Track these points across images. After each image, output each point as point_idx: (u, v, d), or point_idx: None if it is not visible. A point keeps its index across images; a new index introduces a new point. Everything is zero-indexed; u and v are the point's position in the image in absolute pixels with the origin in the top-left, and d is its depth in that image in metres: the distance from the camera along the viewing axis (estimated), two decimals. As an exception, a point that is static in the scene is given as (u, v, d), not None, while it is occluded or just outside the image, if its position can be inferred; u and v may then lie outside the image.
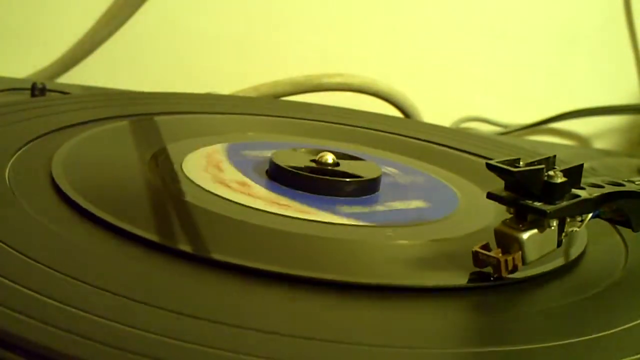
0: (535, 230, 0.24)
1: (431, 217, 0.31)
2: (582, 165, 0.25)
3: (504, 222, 0.24)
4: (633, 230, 0.27)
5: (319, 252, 0.27)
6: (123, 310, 0.19)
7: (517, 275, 0.24)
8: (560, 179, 0.24)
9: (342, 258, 0.27)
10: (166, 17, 0.63)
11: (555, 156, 0.25)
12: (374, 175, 0.33)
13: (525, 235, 0.24)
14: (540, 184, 0.24)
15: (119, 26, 0.61)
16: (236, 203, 0.29)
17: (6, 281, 0.20)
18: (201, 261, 0.23)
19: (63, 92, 0.47)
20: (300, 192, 0.31)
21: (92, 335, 0.18)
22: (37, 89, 0.46)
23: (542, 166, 0.24)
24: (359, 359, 0.20)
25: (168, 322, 0.19)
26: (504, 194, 0.24)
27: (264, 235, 0.27)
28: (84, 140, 0.34)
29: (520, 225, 0.24)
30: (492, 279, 0.24)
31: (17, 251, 0.22)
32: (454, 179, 0.36)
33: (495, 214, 0.29)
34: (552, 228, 0.24)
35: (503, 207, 0.24)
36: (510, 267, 0.24)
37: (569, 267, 0.27)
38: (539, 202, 0.24)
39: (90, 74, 0.61)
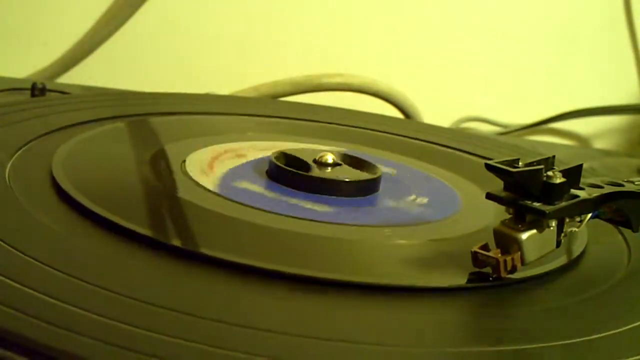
0: (535, 231, 0.24)
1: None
2: (581, 165, 0.25)
3: (503, 223, 0.24)
4: (633, 231, 0.27)
5: (318, 251, 0.27)
6: (123, 309, 0.19)
7: (516, 275, 0.24)
8: (559, 180, 0.24)
9: (341, 258, 0.27)
10: (166, 17, 0.63)
11: (554, 156, 0.25)
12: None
13: (525, 236, 0.24)
14: (540, 184, 0.24)
15: (119, 26, 0.61)
16: (236, 202, 0.29)
17: (6, 280, 0.20)
18: (201, 260, 0.24)
19: (63, 92, 0.47)
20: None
21: (92, 334, 0.18)
22: (37, 89, 0.46)
23: (541, 166, 0.24)
24: (359, 359, 0.20)
25: (168, 320, 0.19)
26: (503, 194, 0.24)
27: (263, 234, 0.27)
28: (84, 140, 0.34)
29: (520, 226, 0.24)
30: (491, 279, 0.24)
31: (17, 250, 0.22)
32: (454, 179, 0.36)
33: (494, 214, 0.29)
34: (551, 228, 0.24)
35: (502, 208, 0.24)
36: (509, 268, 0.24)
37: (570, 267, 0.27)
38: (538, 202, 0.24)
39: (90, 74, 0.61)
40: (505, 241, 0.24)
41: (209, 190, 0.30)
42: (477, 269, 0.25)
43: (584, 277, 0.27)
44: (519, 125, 0.67)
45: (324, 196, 0.31)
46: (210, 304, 0.21)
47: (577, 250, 0.28)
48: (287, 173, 0.32)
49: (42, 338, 0.17)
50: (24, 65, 0.61)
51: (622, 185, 0.26)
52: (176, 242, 0.25)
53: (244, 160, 0.34)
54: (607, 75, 0.70)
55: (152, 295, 0.21)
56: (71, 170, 0.29)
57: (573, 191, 0.25)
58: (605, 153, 0.63)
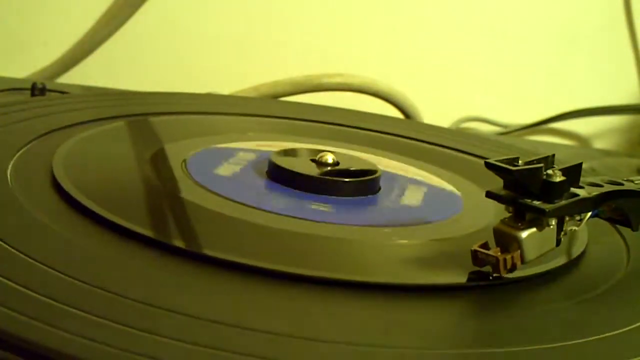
0: (534, 229, 0.24)
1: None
2: (580, 164, 0.25)
3: (502, 221, 0.24)
4: (632, 230, 0.27)
5: (318, 251, 0.27)
6: (123, 310, 0.19)
7: (516, 274, 0.24)
8: (559, 178, 0.24)
9: (341, 258, 0.27)
10: (166, 17, 0.63)
11: (554, 155, 0.25)
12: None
13: (524, 234, 0.24)
14: (539, 182, 0.24)
15: (119, 26, 0.61)
16: (236, 202, 0.29)
17: (6, 281, 0.20)
18: (202, 260, 0.24)
19: (63, 92, 0.47)
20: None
21: (92, 336, 0.18)
22: (37, 89, 0.46)
23: (541, 165, 0.24)
24: (358, 359, 0.20)
25: (169, 322, 0.19)
26: (502, 192, 0.24)
27: (263, 234, 0.27)
28: (84, 140, 0.34)
29: (519, 224, 0.24)
30: (491, 278, 0.24)
31: (17, 250, 0.22)
32: (454, 179, 0.36)
33: (495, 214, 0.29)
34: (551, 227, 0.24)
35: (502, 208, 0.24)
36: (509, 266, 0.24)
37: (570, 267, 0.27)
38: (538, 201, 0.24)
39: (90, 74, 0.61)
40: (505, 240, 0.24)
41: (209, 190, 0.30)
42: (477, 268, 0.25)
43: (584, 277, 0.27)
44: (519, 125, 0.67)
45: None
46: (210, 304, 0.21)
47: (577, 250, 0.28)
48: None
49: (42, 340, 0.17)
50: (24, 65, 0.61)
51: (622, 184, 0.26)
52: (177, 243, 0.25)
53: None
54: (607, 75, 0.70)
55: (153, 296, 0.20)
56: (71, 170, 0.29)
57: (573, 190, 0.25)
58: (605, 153, 0.63)
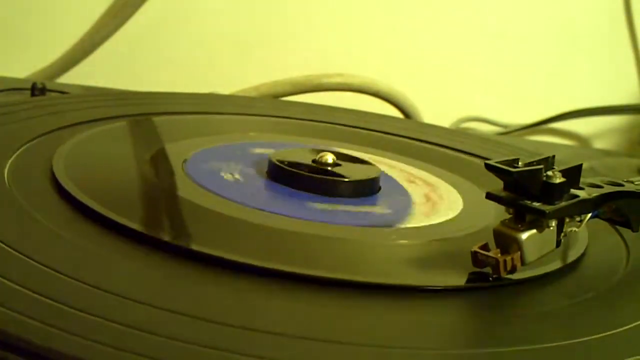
0: (534, 231, 0.24)
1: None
2: (580, 165, 0.25)
3: (502, 223, 0.24)
4: (632, 230, 0.27)
5: (318, 251, 0.27)
6: (123, 310, 0.19)
7: (516, 275, 0.24)
8: (559, 179, 0.24)
9: (341, 258, 0.27)
10: (166, 17, 0.63)
11: (554, 156, 0.25)
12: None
13: (524, 236, 0.24)
14: (539, 184, 0.24)
15: (119, 26, 0.61)
16: (237, 202, 0.29)
17: (5, 281, 0.20)
18: (202, 260, 0.24)
19: (63, 92, 0.47)
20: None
21: (92, 336, 0.18)
22: (37, 89, 0.46)
23: (541, 166, 0.24)
24: (358, 359, 0.20)
25: (168, 322, 0.19)
26: (502, 194, 0.24)
27: (263, 234, 0.27)
28: (84, 140, 0.34)
29: (519, 226, 0.24)
30: (490, 279, 0.24)
31: (16, 250, 0.22)
32: (454, 179, 0.36)
33: (495, 214, 0.29)
34: (551, 228, 0.24)
35: (502, 208, 0.24)
36: (509, 268, 0.24)
37: (570, 268, 0.27)
38: (538, 202, 0.24)
39: (90, 74, 0.61)
40: (505, 241, 0.24)
41: (209, 190, 0.30)
42: (477, 269, 0.25)
43: (584, 278, 0.27)
44: (519, 125, 0.67)
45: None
46: (210, 304, 0.21)
47: (577, 252, 0.28)
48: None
49: (42, 340, 0.17)
50: (24, 65, 0.61)
51: (622, 185, 0.26)
52: (178, 242, 0.25)
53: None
54: (607, 75, 0.70)
55: (153, 296, 0.21)
56: (71, 169, 0.29)
57: (573, 191, 0.25)
58: (605, 153, 0.63)
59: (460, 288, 0.24)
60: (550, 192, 0.24)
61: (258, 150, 0.36)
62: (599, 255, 0.29)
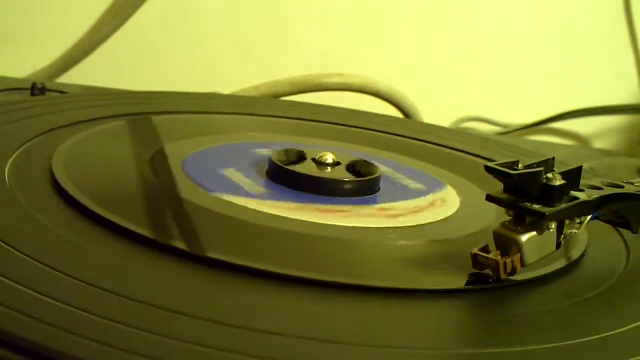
0: (534, 233, 0.24)
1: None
2: (581, 167, 0.25)
3: (503, 225, 0.24)
4: (632, 232, 0.27)
5: (318, 252, 0.27)
6: (123, 310, 0.19)
7: (517, 277, 0.24)
8: (559, 182, 0.24)
9: (341, 258, 0.27)
10: (166, 17, 0.63)
11: (554, 158, 0.25)
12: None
13: (524, 238, 0.24)
14: (539, 186, 0.24)
15: (119, 26, 0.61)
16: (236, 203, 0.29)
17: (5, 280, 0.20)
18: (201, 260, 0.24)
19: (63, 92, 0.47)
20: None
21: (92, 336, 0.18)
22: (37, 89, 0.46)
23: (541, 169, 0.24)
24: (358, 359, 0.20)
25: (168, 322, 0.19)
26: (503, 196, 0.24)
27: (263, 235, 0.27)
28: (84, 139, 0.34)
29: (519, 228, 0.24)
30: (491, 281, 0.24)
31: (16, 250, 0.22)
32: (454, 179, 0.36)
33: (495, 215, 0.29)
34: (551, 230, 0.24)
35: (503, 209, 0.24)
36: (509, 270, 0.24)
37: (570, 268, 0.27)
38: (538, 204, 0.24)
39: (90, 74, 0.61)
40: (505, 243, 0.24)
41: (209, 190, 0.30)
42: (477, 271, 0.25)
43: (584, 278, 0.27)
44: (519, 125, 0.67)
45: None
46: (210, 305, 0.21)
47: (578, 252, 0.28)
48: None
49: (42, 339, 0.17)
50: (24, 65, 0.61)
51: (622, 187, 0.26)
52: (178, 244, 0.25)
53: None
54: (607, 75, 0.70)
55: (153, 296, 0.21)
56: (71, 169, 0.29)
57: (573, 193, 0.25)
58: (605, 153, 0.63)
59: (460, 290, 0.24)
60: (550, 195, 0.24)
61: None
62: (599, 256, 0.29)
